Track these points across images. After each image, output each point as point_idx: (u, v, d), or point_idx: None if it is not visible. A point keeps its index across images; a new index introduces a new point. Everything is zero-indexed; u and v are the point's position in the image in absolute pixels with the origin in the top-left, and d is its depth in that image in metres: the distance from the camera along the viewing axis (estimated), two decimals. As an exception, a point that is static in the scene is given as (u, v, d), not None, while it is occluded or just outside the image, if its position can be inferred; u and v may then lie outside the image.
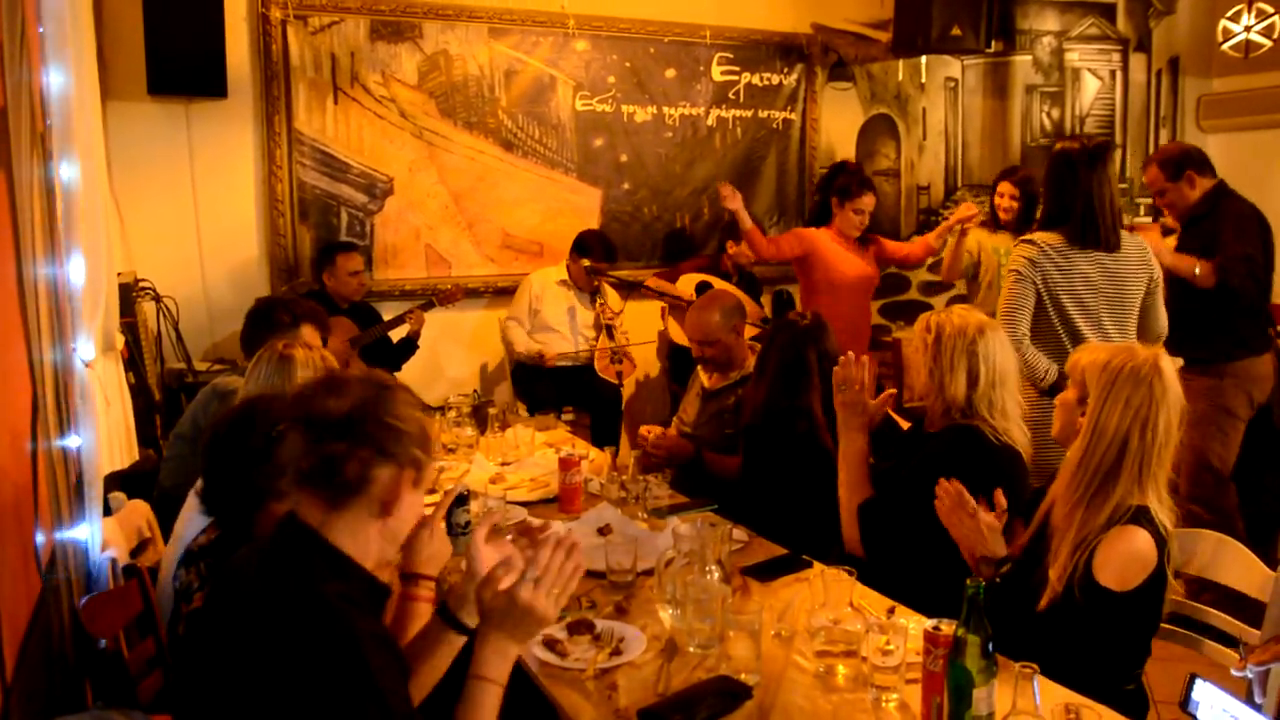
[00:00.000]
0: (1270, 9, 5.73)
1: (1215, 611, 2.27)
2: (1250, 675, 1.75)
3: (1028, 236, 3.27)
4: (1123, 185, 6.41)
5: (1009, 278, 3.23)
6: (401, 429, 1.50)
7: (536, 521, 1.74)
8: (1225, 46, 5.93)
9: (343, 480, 1.46)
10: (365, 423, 1.47)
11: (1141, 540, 1.92)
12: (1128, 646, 1.98)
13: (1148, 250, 3.31)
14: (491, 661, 1.52)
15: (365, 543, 1.51)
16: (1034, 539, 2.12)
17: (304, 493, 1.48)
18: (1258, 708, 1.59)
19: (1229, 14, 5.87)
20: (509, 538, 1.73)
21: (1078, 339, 3.16)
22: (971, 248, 4.82)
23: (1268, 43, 5.77)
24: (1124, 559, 1.91)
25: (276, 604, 1.40)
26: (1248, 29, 5.78)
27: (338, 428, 1.46)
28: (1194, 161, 3.89)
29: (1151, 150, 6.58)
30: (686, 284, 5.33)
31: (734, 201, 4.53)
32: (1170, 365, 2.01)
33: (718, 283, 5.22)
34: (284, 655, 1.35)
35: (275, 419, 1.71)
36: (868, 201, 4.66)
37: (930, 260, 5.17)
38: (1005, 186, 4.78)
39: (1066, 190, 3.19)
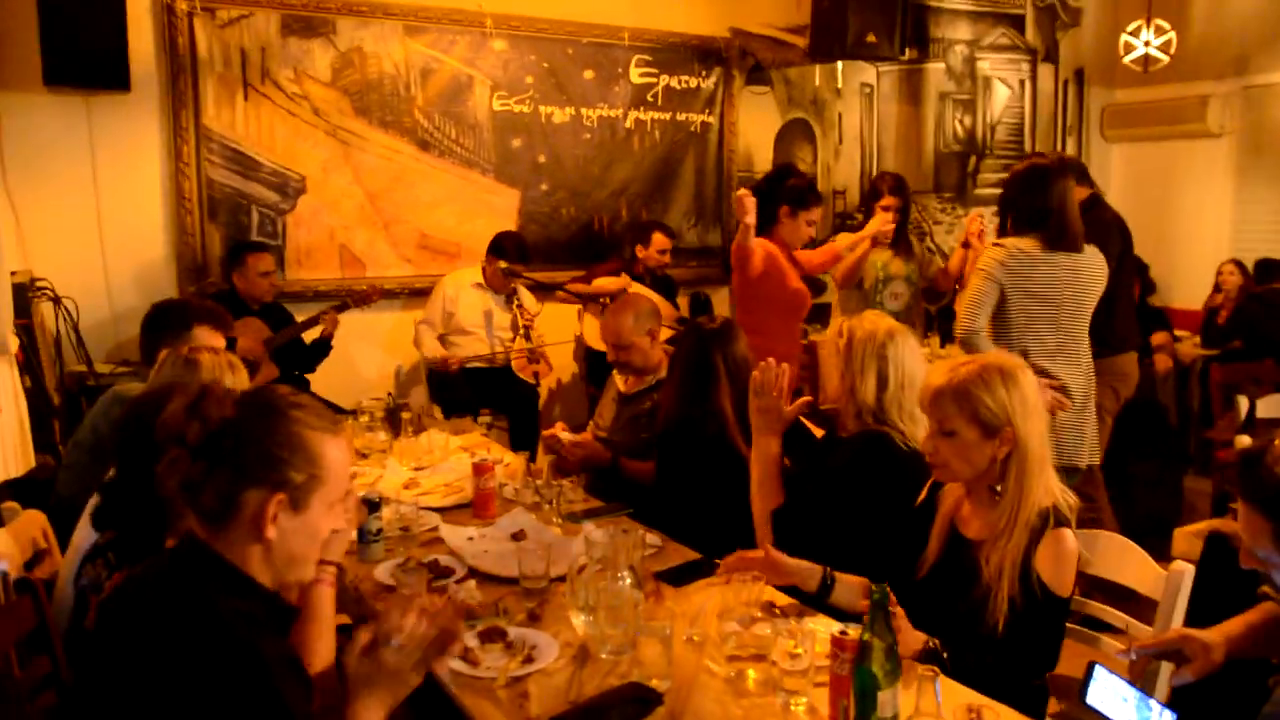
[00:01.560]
0: (1167, 26, 5.96)
1: (1110, 609, 2.35)
2: (1134, 657, 1.82)
3: (998, 241, 3.49)
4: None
5: (977, 275, 3.43)
6: (272, 452, 1.45)
7: (406, 591, 1.73)
8: (1126, 60, 6.15)
9: (205, 505, 1.44)
10: (226, 446, 1.44)
11: (1070, 539, 2.00)
12: (1052, 645, 2.04)
13: (1103, 257, 3.54)
14: (359, 716, 1.50)
15: (254, 562, 1.48)
16: (947, 549, 2.15)
17: (186, 512, 1.45)
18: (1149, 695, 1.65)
19: (1129, 28, 6.10)
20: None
21: (1035, 338, 3.42)
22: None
23: (1165, 58, 6.00)
24: (1065, 562, 1.98)
25: (172, 621, 1.37)
26: (1147, 44, 6.01)
27: (197, 451, 1.43)
28: (1072, 171, 4.10)
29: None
30: (602, 288, 5.33)
31: (750, 216, 3.81)
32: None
33: (632, 285, 5.22)
34: (179, 672, 1.33)
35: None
36: (819, 213, 4.35)
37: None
38: (889, 200, 4.75)
39: (1039, 198, 3.42)
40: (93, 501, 1.81)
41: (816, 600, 2.19)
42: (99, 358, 4.48)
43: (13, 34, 4.24)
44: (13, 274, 3.70)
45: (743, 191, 3.87)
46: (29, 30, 4.23)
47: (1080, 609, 2.31)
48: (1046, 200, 3.40)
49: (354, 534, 2.64)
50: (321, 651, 2.01)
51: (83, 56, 4.33)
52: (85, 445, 2.99)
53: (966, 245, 4.82)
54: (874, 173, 6.58)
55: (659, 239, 5.42)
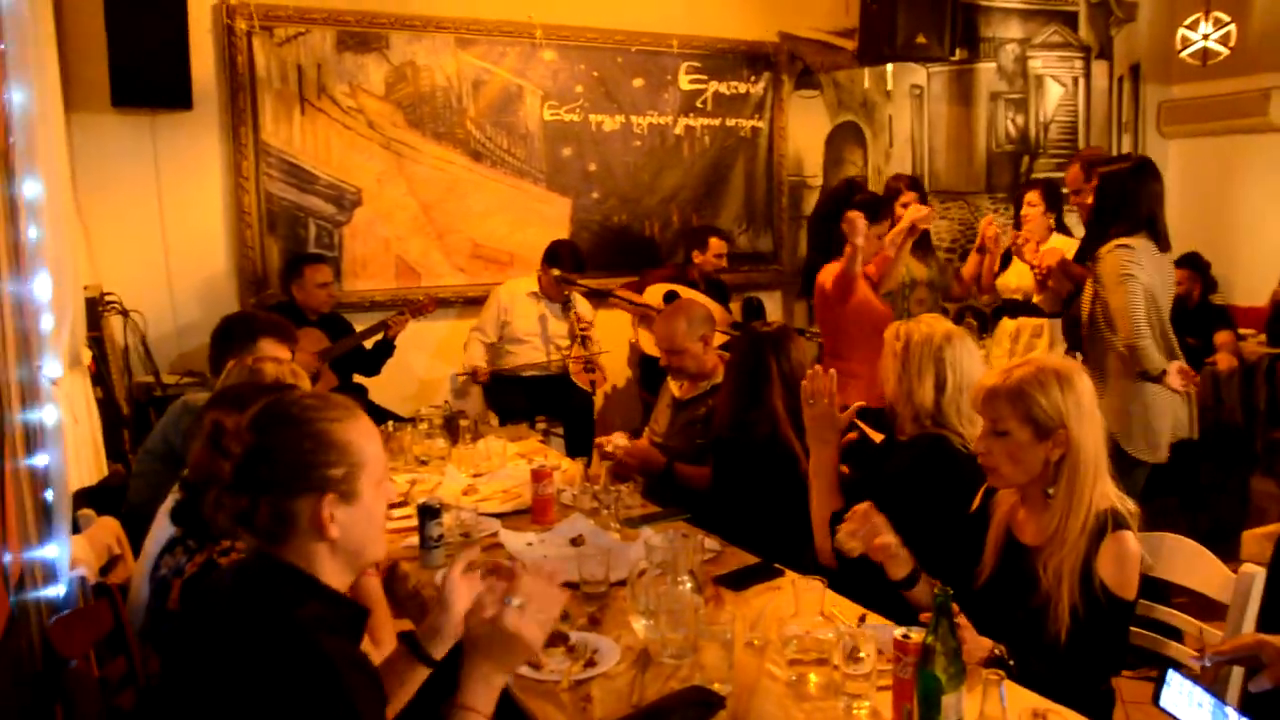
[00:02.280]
0: (1226, 17, 5.85)
1: (1177, 613, 2.31)
2: (1208, 663, 1.79)
3: (1122, 242, 3.51)
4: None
5: (1124, 282, 3.46)
6: (304, 460, 1.46)
7: (506, 562, 1.74)
8: (1184, 54, 6.04)
9: (262, 528, 1.46)
10: (260, 472, 1.45)
11: (1132, 541, 1.97)
12: (1117, 649, 2.02)
13: None
14: (477, 691, 1.51)
15: (324, 564, 1.49)
16: (1004, 556, 2.14)
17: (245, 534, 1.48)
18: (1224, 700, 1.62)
19: (1187, 22, 5.99)
20: (479, 574, 1.73)
21: (1164, 335, 3.52)
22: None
23: (1224, 50, 5.88)
24: (1128, 565, 1.96)
25: (250, 631, 1.40)
26: (1205, 37, 5.90)
27: (234, 486, 1.45)
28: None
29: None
30: (654, 294, 5.35)
31: (861, 238, 3.84)
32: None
33: (685, 291, 5.24)
34: (259, 682, 1.35)
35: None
36: (888, 226, 4.32)
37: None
38: (909, 195, 4.79)
39: (1129, 203, 3.50)
40: (172, 497, 1.87)
41: (891, 589, 2.18)
42: (163, 369, 4.60)
43: (83, 59, 4.37)
44: (85, 288, 3.81)
45: (855, 214, 3.79)
46: (99, 55, 4.37)
47: (1147, 613, 2.28)
48: (1151, 200, 3.47)
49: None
50: (385, 639, 2.05)
51: (148, 78, 4.46)
52: (156, 453, 3.08)
53: (982, 250, 4.79)
54: (926, 175, 6.54)
55: (715, 243, 5.45)
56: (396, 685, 1.66)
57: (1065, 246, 4.53)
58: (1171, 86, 7.05)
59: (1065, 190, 4.71)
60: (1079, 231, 4.61)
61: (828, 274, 4.15)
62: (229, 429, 1.46)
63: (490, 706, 1.52)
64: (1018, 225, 4.90)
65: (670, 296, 5.23)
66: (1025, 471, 2.05)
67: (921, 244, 4.73)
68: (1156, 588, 2.32)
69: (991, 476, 2.12)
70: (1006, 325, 4.73)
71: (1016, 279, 4.75)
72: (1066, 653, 1.94)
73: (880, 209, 4.25)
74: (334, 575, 1.50)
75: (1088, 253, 3.75)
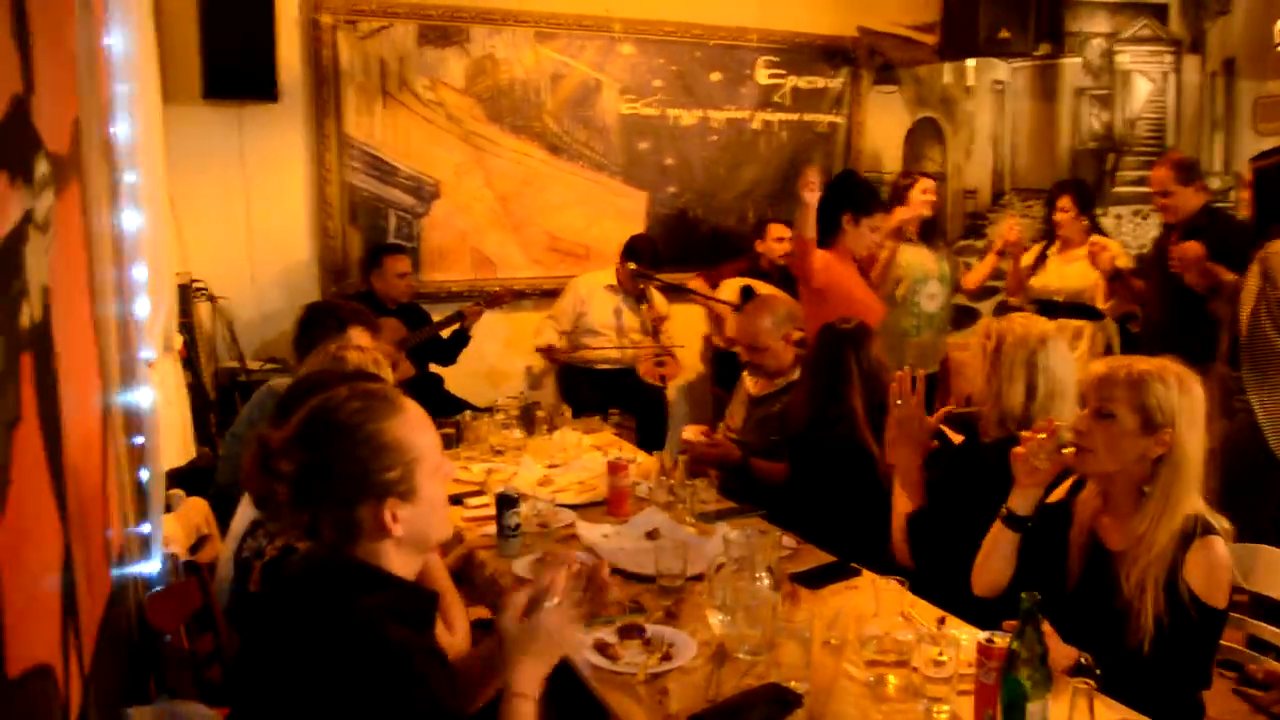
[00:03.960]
0: (1329, 11, 5.63)
1: (1270, 627, 2.25)
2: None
3: None
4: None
5: None
6: (359, 469, 1.46)
7: (563, 554, 1.77)
8: (1282, 49, 5.83)
9: (328, 537, 1.48)
10: (315, 489, 1.45)
11: (1222, 547, 1.93)
12: (1204, 661, 1.98)
13: None
14: (522, 681, 1.54)
15: (391, 557, 1.51)
16: (1089, 562, 2.09)
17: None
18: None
19: (1286, 16, 5.77)
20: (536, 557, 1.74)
21: None
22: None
23: (1326, 45, 5.66)
24: (1218, 572, 1.92)
25: (318, 624, 1.42)
26: (1306, 31, 5.68)
27: (294, 505, 1.46)
28: (1202, 172, 3.98)
29: (1207, 154, 6.50)
30: (729, 288, 5.33)
31: (811, 193, 3.70)
32: None
33: (760, 286, 5.21)
34: (332, 672, 1.37)
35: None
36: (883, 219, 4.24)
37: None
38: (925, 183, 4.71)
39: None
40: None
41: (967, 593, 2.16)
42: (248, 355, 4.72)
43: (177, 52, 4.48)
44: (176, 275, 3.92)
45: (810, 168, 3.62)
46: (191, 49, 4.50)
47: (1239, 628, 2.22)
48: None
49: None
50: (458, 619, 2.08)
51: (238, 71, 4.58)
52: (241, 437, 3.16)
53: (1002, 254, 4.71)
54: (1006, 172, 6.42)
55: (774, 228, 5.39)
56: (492, 672, 1.69)
57: (1116, 249, 4.47)
58: (1268, 82, 6.80)
59: (1150, 191, 4.58)
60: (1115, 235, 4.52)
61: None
62: (275, 447, 1.46)
63: (537, 690, 1.55)
64: (1049, 229, 4.83)
65: (747, 291, 5.21)
66: (1118, 460, 1.99)
67: (932, 238, 4.67)
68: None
69: (1081, 461, 2.04)
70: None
71: (1059, 280, 4.67)
72: (1151, 663, 1.90)
73: (870, 202, 4.08)
74: (401, 565, 1.52)
75: (1250, 250, 3.61)
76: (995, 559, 2.14)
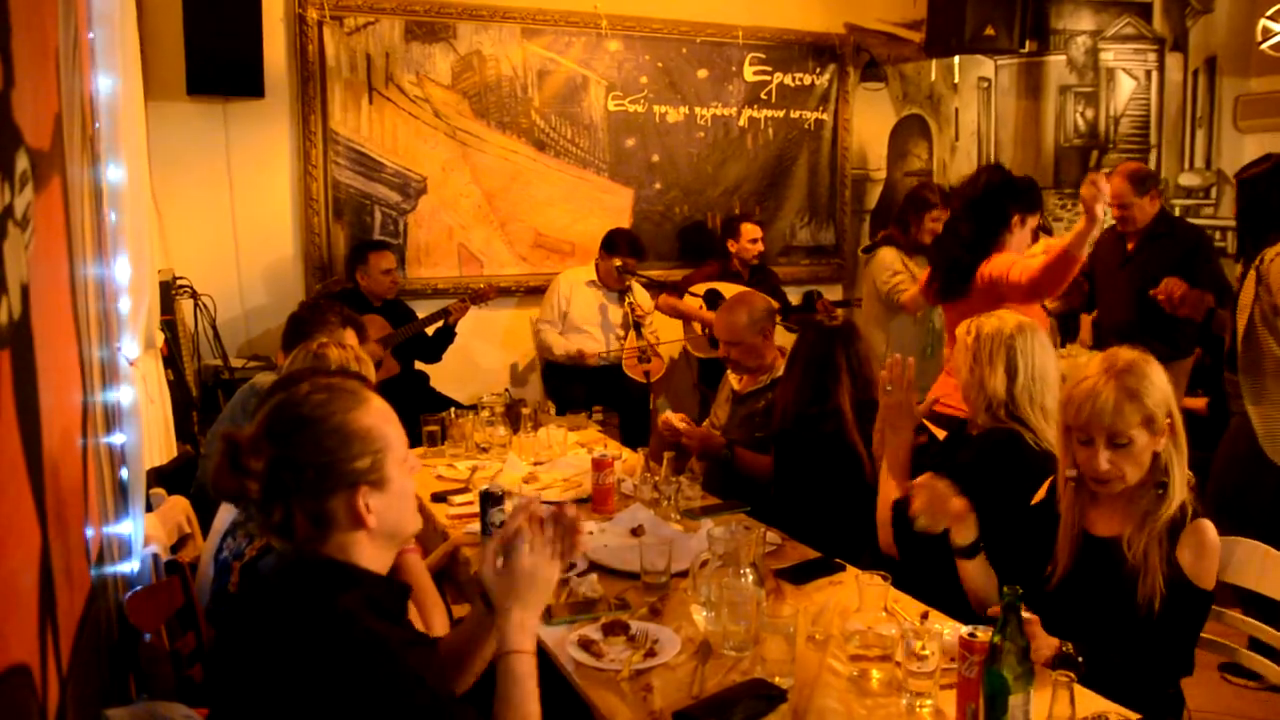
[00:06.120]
0: (1311, 9, 5.67)
1: (1248, 619, 2.26)
2: None
3: None
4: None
5: None
6: (327, 460, 1.45)
7: (526, 499, 1.76)
8: (1265, 46, 5.87)
9: (302, 533, 1.47)
10: (286, 483, 1.44)
11: (1212, 531, 1.97)
12: (1188, 646, 2.01)
13: None
14: (515, 636, 1.53)
15: (363, 550, 1.50)
16: (1079, 552, 2.10)
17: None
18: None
19: (1269, 13, 5.82)
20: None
21: None
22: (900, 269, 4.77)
23: (1308, 43, 5.71)
24: (1208, 554, 1.96)
25: (297, 625, 1.41)
26: (1288, 29, 5.72)
27: (264, 502, 1.45)
28: (1157, 181, 4.09)
29: (1189, 151, 6.54)
30: (694, 299, 5.32)
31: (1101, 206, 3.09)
32: None
33: (727, 288, 5.19)
34: (315, 673, 1.36)
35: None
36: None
37: None
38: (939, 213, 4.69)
39: None
40: None
41: (951, 557, 2.18)
42: (231, 353, 4.70)
43: (160, 49, 4.47)
44: (158, 272, 3.89)
45: (1097, 176, 3.00)
46: (175, 45, 4.47)
47: (1216, 619, 2.23)
48: None
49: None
50: (436, 618, 2.08)
51: (222, 67, 4.56)
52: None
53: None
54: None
55: (747, 229, 5.38)
56: (480, 641, 1.70)
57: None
58: (1250, 80, 6.84)
59: (1110, 204, 4.54)
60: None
61: (1007, 266, 3.38)
62: (244, 445, 1.44)
63: (533, 644, 1.55)
64: None
65: (711, 295, 5.21)
66: (1142, 469, 2.02)
67: (923, 248, 4.66)
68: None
69: (1107, 488, 2.03)
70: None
71: None
72: (1138, 644, 1.92)
73: (1036, 199, 3.59)
74: (374, 559, 1.52)
75: (1246, 259, 3.59)
76: (971, 582, 2.18)
